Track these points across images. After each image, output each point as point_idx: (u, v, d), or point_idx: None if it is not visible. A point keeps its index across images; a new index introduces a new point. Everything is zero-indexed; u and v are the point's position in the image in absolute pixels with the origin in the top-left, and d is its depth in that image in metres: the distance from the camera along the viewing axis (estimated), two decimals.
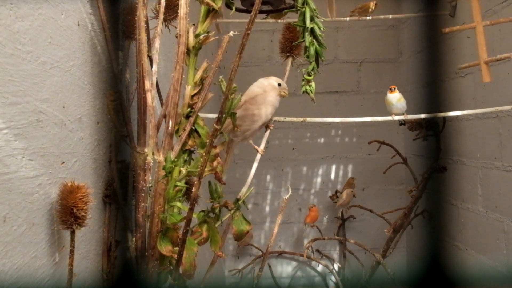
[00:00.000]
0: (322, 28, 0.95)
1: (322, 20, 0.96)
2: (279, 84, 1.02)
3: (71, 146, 0.75)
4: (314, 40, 0.95)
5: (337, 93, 2.40)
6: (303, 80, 0.98)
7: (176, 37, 0.80)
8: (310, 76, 0.97)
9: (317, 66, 0.97)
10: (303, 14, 0.94)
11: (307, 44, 0.95)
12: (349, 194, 2.16)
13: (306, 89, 0.98)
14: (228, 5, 0.91)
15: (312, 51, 0.95)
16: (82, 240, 0.78)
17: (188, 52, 0.82)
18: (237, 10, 1.22)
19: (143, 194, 0.81)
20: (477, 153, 1.64)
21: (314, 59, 0.96)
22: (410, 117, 1.36)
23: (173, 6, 0.89)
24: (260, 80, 1.04)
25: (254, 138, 1.05)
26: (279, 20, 1.62)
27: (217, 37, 0.79)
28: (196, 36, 0.82)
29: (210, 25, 0.83)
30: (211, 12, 0.83)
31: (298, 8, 0.94)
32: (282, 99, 1.06)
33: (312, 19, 0.94)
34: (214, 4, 0.81)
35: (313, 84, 0.98)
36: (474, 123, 1.66)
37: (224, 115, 0.77)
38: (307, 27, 0.94)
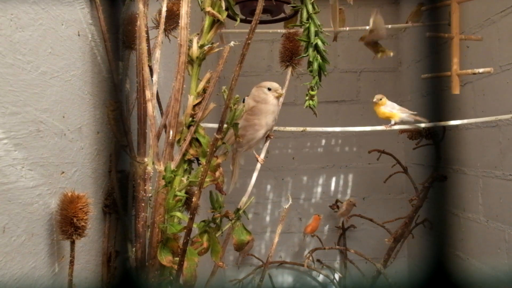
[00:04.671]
0: (326, 44, 0.95)
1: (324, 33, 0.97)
2: (269, 89, 1.01)
3: (71, 156, 0.75)
4: (318, 55, 0.96)
5: (337, 103, 2.40)
6: (307, 94, 0.99)
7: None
8: (314, 91, 0.97)
9: (320, 80, 0.98)
10: (307, 29, 0.95)
11: (310, 59, 0.96)
12: (349, 203, 2.16)
13: (309, 104, 0.98)
14: (230, 16, 0.91)
15: (315, 66, 0.96)
16: (81, 251, 0.77)
17: (191, 62, 0.82)
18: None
19: (143, 204, 0.81)
20: (477, 162, 1.64)
21: (316, 74, 0.97)
22: (410, 126, 1.36)
23: (173, 16, 0.89)
24: (252, 91, 1.03)
25: (254, 148, 1.05)
26: (280, 30, 1.62)
27: (221, 48, 0.79)
28: (201, 46, 0.82)
29: (214, 36, 0.84)
30: (215, 23, 0.83)
31: (303, 23, 0.95)
32: (282, 109, 1.06)
33: (316, 34, 0.95)
34: (219, 16, 0.81)
35: (315, 98, 0.99)
36: (474, 132, 1.66)
37: (225, 125, 0.77)
38: (311, 42, 0.95)
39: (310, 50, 0.95)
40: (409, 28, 1.82)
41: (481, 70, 1.13)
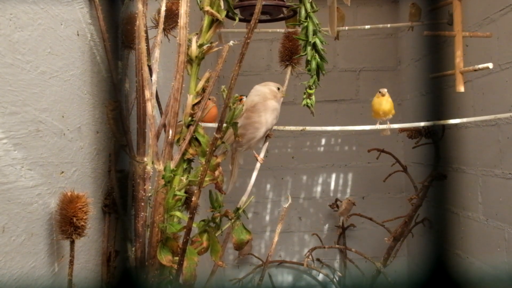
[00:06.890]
0: (324, 43, 0.95)
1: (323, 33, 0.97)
2: (278, 88, 1.05)
3: (70, 155, 0.75)
4: (316, 54, 0.95)
5: (336, 102, 2.40)
6: (304, 93, 0.99)
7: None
8: (312, 89, 0.97)
9: (318, 80, 0.98)
10: (305, 28, 0.95)
11: (308, 58, 0.96)
12: (349, 202, 2.16)
13: (307, 103, 0.98)
14: (229, 15, 0.91)
15: (313, 65, 0.96)
16: (81, 250, 0.77)
17: (190, 61, 0.82)
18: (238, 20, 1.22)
19: (142, 204, 0.81)
20: (476, 161, 1.64)
21: (315, 73, 0.97)
22: (409, 125, 1.36)
23: (172, 16, 0.89)
24: (257, 87, 1.05)
25: (254, 148, 1.05)
26: (280, 30, 1.62)
27: (220, 47, 0.79)
28: (200, 46, 0.82)
29: (213, 35, 0.84)
30: (214, 22, 0.83)
31: (301, 22, 0.95)
32: (282, 108, 1.06)
33: (314, 33, 0.95)
34: (218, 15, 0.81)
35: (313, 97, 0.99)
36: (473, 131, 1.66)
37: (224, 124, 0.77)
38: (310, 41, 0.95)
39: (308, 48, 0.95)
40: (411, 27, 1.82)
41: (480, 66, 1.15)
